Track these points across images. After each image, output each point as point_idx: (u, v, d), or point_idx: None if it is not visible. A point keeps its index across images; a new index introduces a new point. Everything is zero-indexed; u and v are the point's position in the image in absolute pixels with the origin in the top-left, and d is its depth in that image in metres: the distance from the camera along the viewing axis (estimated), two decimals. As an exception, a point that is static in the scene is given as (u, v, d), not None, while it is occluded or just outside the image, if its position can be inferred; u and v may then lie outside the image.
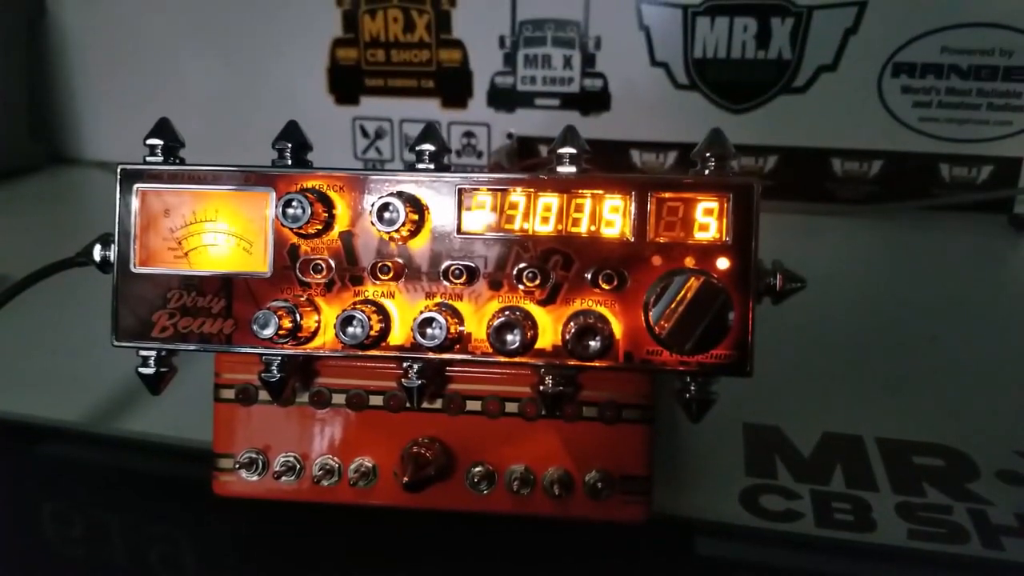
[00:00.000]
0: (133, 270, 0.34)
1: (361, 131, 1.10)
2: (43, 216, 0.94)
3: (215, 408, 0.36)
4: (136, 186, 0.33)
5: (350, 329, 0.30)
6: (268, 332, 0.30)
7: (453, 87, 1.02)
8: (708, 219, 0.31)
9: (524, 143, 1.08)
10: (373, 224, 0.31)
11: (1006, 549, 0.37)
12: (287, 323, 0.31)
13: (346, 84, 1.06)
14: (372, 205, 0.31)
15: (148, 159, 0.34)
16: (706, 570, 0.37)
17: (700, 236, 0.31)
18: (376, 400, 0.35)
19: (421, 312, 0.31)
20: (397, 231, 0.31)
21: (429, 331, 0.30)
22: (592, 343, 0.30)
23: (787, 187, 0.98)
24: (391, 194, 0.31)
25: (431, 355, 0.32)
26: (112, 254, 0.34)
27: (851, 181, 0.96)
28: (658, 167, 0.99)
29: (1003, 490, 0.41)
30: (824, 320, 0.62)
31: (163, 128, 0.34)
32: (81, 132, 1.16)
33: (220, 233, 0.34)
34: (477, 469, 0.35)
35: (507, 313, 0.30)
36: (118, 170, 0.33)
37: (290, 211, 0.31)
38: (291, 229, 0.32)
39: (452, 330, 0.31)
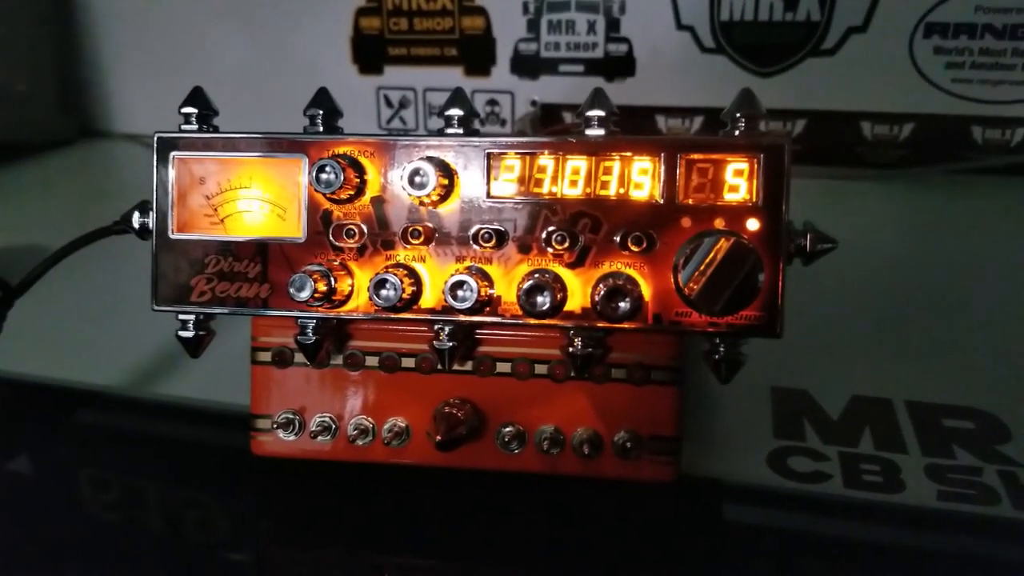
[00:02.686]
0: (171, 236, 0.34)
1: (385, 101, 1.10)
2: (75, 188, 0.96)
3: (252, 370, 0.37)
4: (172, 154, 0.34)
5: (383, 292, 0.31)
6: (304, 295, 0.31)
7: (476, 55, 1.01)
8: (738, 180, 0.31)
9: (548, 110, 1.07)
10: (404, 189, 0.31)
11: (1035, 509, 0.37)
12: (322, 287, 0.31)
13: (369, 53, 1.06)
14: (403, 170, 0.31)
15: (183, 127, 0.34)
16: (733, 532, 0.37)
17: (730, 197, 0.31)
18: (408, 362, 0.36)
19: (452, 275, 0.31)
20: (428, 196, 0.31)
21: (460, 294, 0.31)
22: (621, 304, 0.30)
23: (816, 152, 0.96)
24: (422, 159, 0.32)
25: (462, 318, 0.32)
26: (151, 221, 0.35)
27: (881, 145, 0.94)
28: (684, 132, 0.98)
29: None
30: (853, 284, 0.61)
31: (197, 97, 0.34)
32: (110, 106, 1.18)
33: (254, 200, 0.34)
34: (507, 429, 0.35)
35: (536, 275, 0.31)
36: (155, 138, 0.34)
37: (324, 176, 0.31)
38: (324, 195, 0.32)
39: (482, 293, 0.31)
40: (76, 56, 1.17)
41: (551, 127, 0.98)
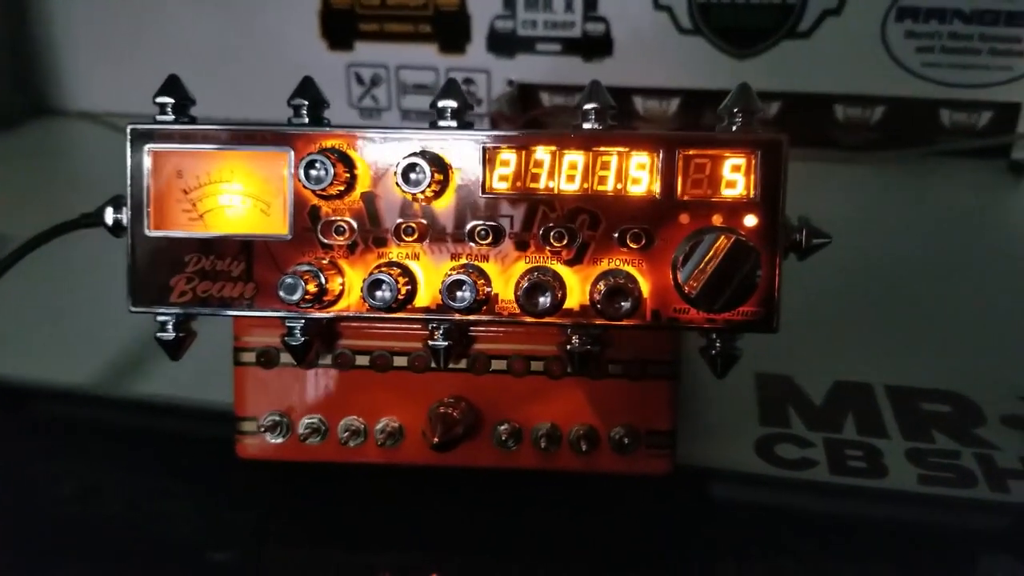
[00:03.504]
0: (148, 234, 0.33)
1: (356, 78, 1.08)
2: (31, 170, 0.92)
3: (235, 372, 0.36)
4: (147, 146, 0.32)
5: (378, 293, 0.30)
6: (295, 297, 0.30)
7: (451, 32, 0.99)
8: (735, 176, 0.31)
9: (525, 90, 1.06)
10: (398, 185, 0.30)
11: (1012, 492, 0.38)
12: (312, 287, 0.30)
13: (339, 29, 1.03)
14: (397, 166, 0.30)
15: (159, 118, 0.33)
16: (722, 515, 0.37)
17: (727, 193, 0.31)
18: (400, 361, 0.35)
19: (448, 274, 0.31)
20: (423, 192, 0.30)
21: (459, 294, 0.30)
22: (624, 303, 0.29)
23: (790, 134, 0.97)
24: (415, 154, 0.30)
25: (458, 317, 0.32)
26: (125, 217, 0.33)
27: (853, 127, 0.95)
28: (661, 114, 0.98)
29: (1008, 435, 0.42)
30: (826, 267, 0.62)
31: (173, 85, 0.33)
32: (64, 82, 1.13)
33: (236, 195, 0.33)
34: (503, 427, 0.35)
35: (537, 274, 0.30)
36: (128, 130, 0.32)
37: (313, 172, 0.30)
38: (312, 191, 0.31)
39: (480, 292, 0.30)
40: (28, 29, 1.11)
41: (532, 111, 0.97)
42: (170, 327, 0.33)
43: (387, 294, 0.30)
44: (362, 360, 0.35)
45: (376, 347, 0.35)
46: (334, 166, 0.30)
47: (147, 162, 0.32)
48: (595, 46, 0.95)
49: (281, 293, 0.30)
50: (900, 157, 0.90)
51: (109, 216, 0.33)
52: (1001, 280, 0.62)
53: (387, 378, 0.35)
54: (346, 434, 0.35)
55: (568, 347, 0.32)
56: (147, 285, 0.33)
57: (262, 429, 0.35)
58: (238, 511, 0.38)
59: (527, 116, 0.92)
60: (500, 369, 0.35)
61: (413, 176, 0.30)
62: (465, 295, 0.30)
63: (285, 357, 0.35)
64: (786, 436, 0.43)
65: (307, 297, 0.30)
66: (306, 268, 0.30)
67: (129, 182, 0.33)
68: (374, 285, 0.30)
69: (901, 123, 0.91)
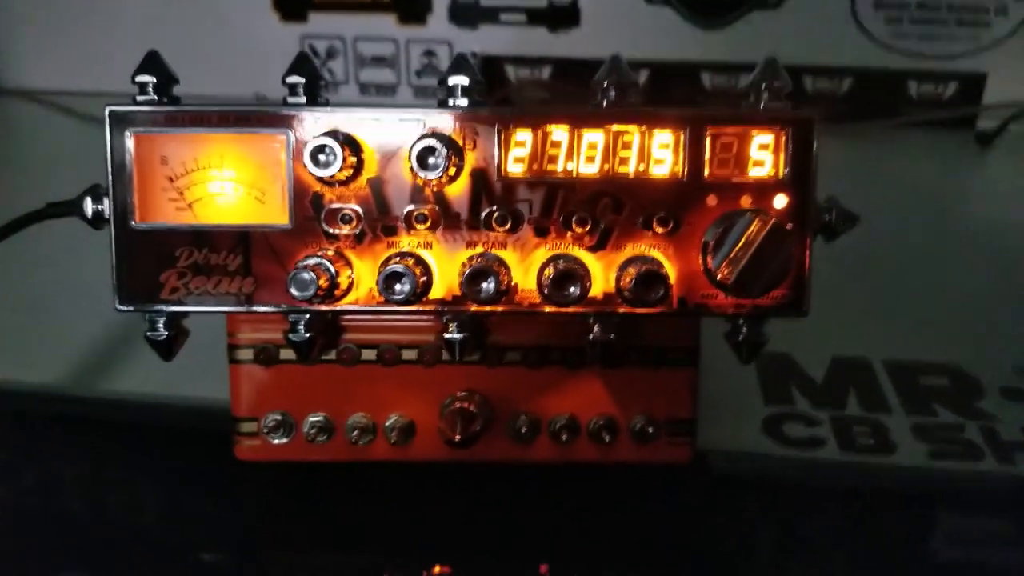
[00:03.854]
0: (133, 226, 0.30)
1: (311, 51, 1.03)
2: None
3: (231, 370, 0.34)
4: (129, 131, 0.30)
5: (397, 286, 0.28)
6: (309, 293, 0.28)
7: (411, 1, 0.96)
8: (763, 154, 0.30)
9: (489, 63, 1.03)
10: (412, 171, 0.28)
11: (1017, 464, 0.39)
12: (324, 282, 0.28)
13: (293, -1, 0.98)
14: (411, 149, 0.28)
15: (139, 99, 0.30)
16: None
17: (754, 173, 0.30)
18: (409, 354, 0.33)
19: (468, 264, 0.29)
20: (440, 178, 0.28)
21: (485, 285, 0.28)
22: (659, 291, 0.28)
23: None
24: (430, 136, 0.28)
25: (475, 308, 0.30)
26: (106, 209, 0.30)
27: (822, 99, 0.95)
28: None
29: (1008, 406, 0.43)
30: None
31: (153, 62, 0.30)
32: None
33: (228, 181, 0.31)
34: (520, 419, 0.33)
35: (563, 262, 0.29)
36: (106, 113, 0.29)
37: (322, 158, 0.28)
38: (318, 177, 0.29)
39: (504, 282, 0.29)
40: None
41: (498, 91, 0.94)
42: (161, 326, 0.31)
43: (406, 287, 0.28)
44: (368, 354, 0.34)
45: (383, 340, 0.33)
46: (342, 150, 0.28)
47: (130, 148, 0.30)
48: (561, 16, 0.93)
49: (293, 289, 0.28)
50: (868, 129, 0.90)
51: (88, 207, 0.30)
52: (973, 250, 0.63)
53: (396, 372, 0.33)
54: (355, 431, 0.33)
55: (590, 337, 0.31)
56: (135, 281, 0.30)
57: (265, 430, 0.33)
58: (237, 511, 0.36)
59: (496, 99, 0.89)
60: (515, 360, 0.33)
61: (432, 161, 0.28)
62: (489, 287, 0.28)
63: (285, 353, 0.33)
64: (792, 415, 0.42)
65: (319, 292, 0.28)
66: (316, 261, 0.28)
67: (110, 170, 0.30)
68: (392, 278, 0.28)
69: (869, 95, 0.91)
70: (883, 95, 0.91)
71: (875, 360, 0.47)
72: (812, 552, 0.35)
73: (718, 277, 0.28)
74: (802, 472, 0.38)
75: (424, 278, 0.29)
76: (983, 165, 0.85)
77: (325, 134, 0.28)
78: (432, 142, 0.28)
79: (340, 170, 0.28)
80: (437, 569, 0.33)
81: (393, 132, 0.29)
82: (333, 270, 0.28)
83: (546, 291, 0.28)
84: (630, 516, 0.35)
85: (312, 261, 0.28)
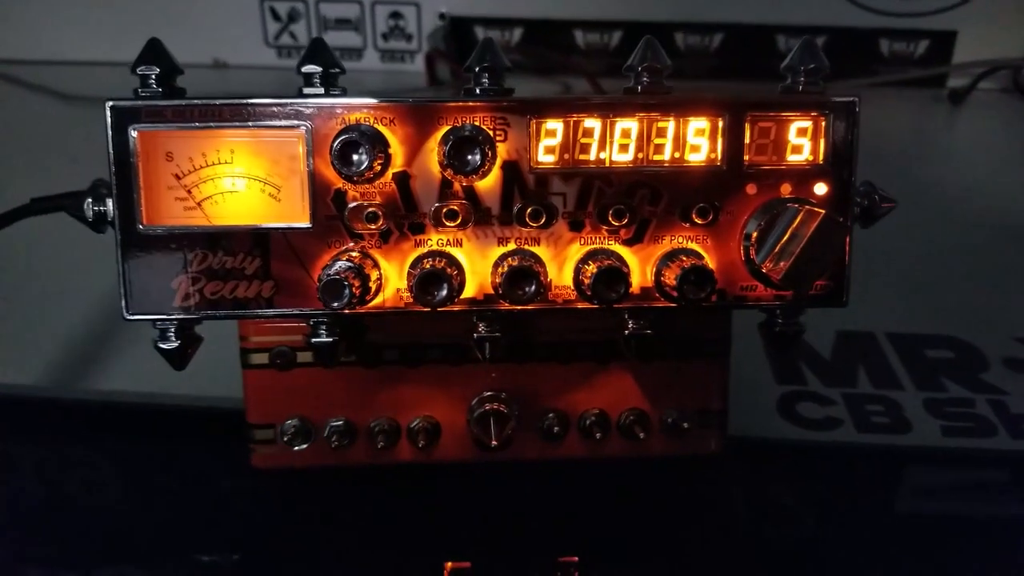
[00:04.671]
0: (140, 229, 0.28)
1: (271, 13, 0.99)
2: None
3: (245, 376, 0.32)
4: (134, 127, 0.27)
5: (439, 292, 0.27)
6: (343, 302, 0.26)
7: (379, -38, 0.92)
8: (801, 140, 0.29)
9: (458, 24, 1.00)
10: (446, 166, 0.27)
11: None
12: (357, 288, 0.26)
13: (254, -40, 0.93)
14: (445, 143, 0.26)
15: (142, 92, 0.27)
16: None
17: (792, 159, 0.29)
18: (434, 354, 0.32)
19: (504, 264, 0.28)
20: (476, 173, 0.27)
21: (527, 288, 0.27)
22: (707, 288, 0.27)
23: (732, 66, 0.96)
24: (464, 127, 0.27)
25: (507, 307, 0.29)
26: (110, 210, 0.28)
27: (794, 58, 0.95)
28: (602, 47, 0.95)
29: (1013, 378, 0.43)
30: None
31: (155, 51, 0.27)
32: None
33: (239, 178, 0.28)
34: (549, 417, 0.33)
35: (604, 259, 0.27)
36: (108, 108, 0.27)
37: (356, 157, 0.26)
38: (346, 175, 0.27)
39: (543, 281, 0.27)
40: None
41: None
42: (172, 334, 0.29)
43: (443, 292, 0.27)
44: (390, 355, 0.32)
45: (406, 341, 0.32)
46: (372, 145, 0.26)
47: (135, 145, 0.27)
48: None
49: (326, 299, 0.26)
50: (842, 88, 0.90)
51: (88, 209, 0.28)
52: (952, 209, 0.64)
53: (420, 373, 0.32)
54: (378, 434, 0.32)
55: (626, 332, 0.30)
56: (145, 288, 0.28)
57: (285, 438, 0.32)
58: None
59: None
60: (545, 356, 0.32)
61: (471, 157, 0.26)
62: (530, 289, 0.27)
63: (302, 357, 0.32)
64: (805, 394, 0.42)
65: (352, 300, 0.26)
66: (347, 266, 0.26)
67: (113, 169, 0.27)
68: (428, 281, 0.27)
69: (842, 53, 0.91)
70: (856, 54, 0.92)
71: (878, 333, 0.47)
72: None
73: (764, 271, 0.28)
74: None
75: (458, 279, 0.28)
76: (958, 121, 0.86)
77: (350, 128, 0.26)
78: (469, 134, 0.26)
79: (370, 166, 0.26)
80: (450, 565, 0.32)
81: (418, 124, 0.28)
82: (365, 274, 0.27)
83: (589, 290, 0.27)
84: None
85: (343, 264, 0.27)
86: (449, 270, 0.27)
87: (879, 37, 0.93)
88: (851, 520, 0.34)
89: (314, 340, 0.29)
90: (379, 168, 0.27)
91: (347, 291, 0.26)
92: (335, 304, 0.26)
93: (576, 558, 0.31)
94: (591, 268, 0.27)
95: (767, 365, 0.44)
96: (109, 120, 0.27)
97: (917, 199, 0.66)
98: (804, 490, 0.37)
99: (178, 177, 0.28)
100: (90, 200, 0.28)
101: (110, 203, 0.28)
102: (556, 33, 0.94)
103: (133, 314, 0.28)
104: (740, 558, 0.32)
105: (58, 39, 0.92)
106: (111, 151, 0.27)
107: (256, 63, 0.99)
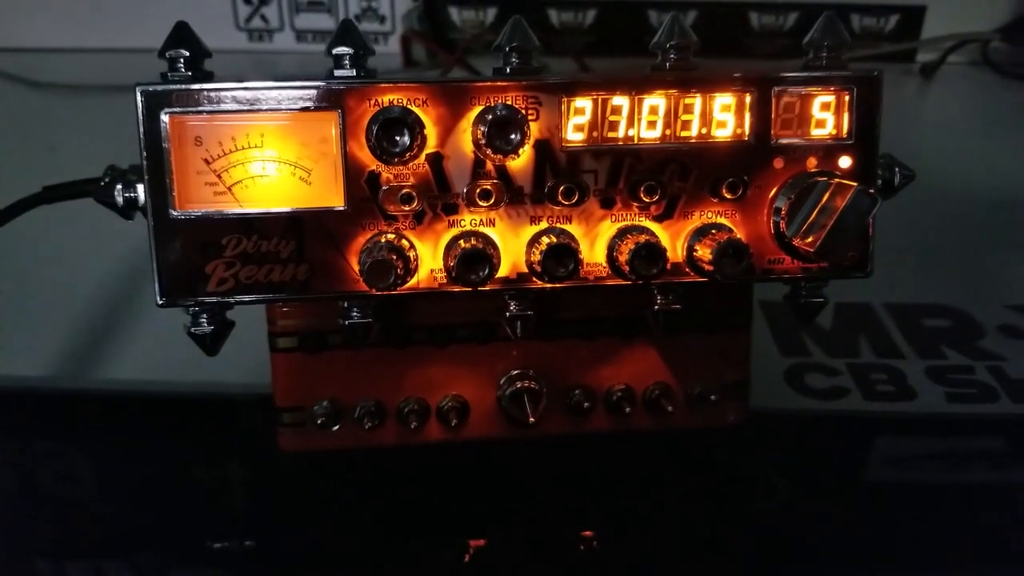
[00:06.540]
0: (173, 214, 0.28)
1: (243, -4, 0.96)
2: None
3: (274, 359, 0.32)
4: (165, 112, 0.27)
5: (480, 271, 0.27)
6: (388, 282, 0.26)
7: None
8: (825, 114, 0.30)
9: (431, 4, 0.99)
10: (485, 147, 0.27)
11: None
12: (400, 269, 0.26)
13: (226, -60, 0.91)
14: (484, 124, 0.27)
15: (171, 76, 0.27)
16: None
17: (817, 133, 0.30)
18: (463, 333, 0.32)
19: (539, 243, 0.28)
20: (514, 153, 0.27)
21: (564, 268, 0.27)
22: (743, 261, 0.28)
23: (705, 44, 0.97)
24: (500, 109, 0.27)
25: (538, 285, 0.29)
26: (141, 196, 0.27)
27: (767, 35, 0.96)
28: (576, 26, 0.95)
29: (1009, 344, 0.45)
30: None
31: (183, 34, 0.27)
32: None
33: (270, 162, 0.28)
34: (576, 392, 0.33)
35: (641, 235, 0.28)
36: (138, 92, 0.27)
37: (400, 140, 0.26)
38: (379, 156, 0.27)
39: (580, 260, 0.28)
40: None
41: (453, 51, 0.90)
42: (205, 320, 0.29)
43: (485, 271, 0.27)
44: (419, 334, 0.32)
45: (435, 321, 0.32)
46: (411, 128, 0.26)
47: (166, 130, 0.27)
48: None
49: (371, 278, 0.26)
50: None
51: (119, 195, 0.28)
52: (930, 180, 0.65)
53: (448, 352, 0.32)
54: (407, 414, 0.32)
55: (655, 307, 0.30)
56: (179, 274, 0.28)
57: (318, 420, 0.32)
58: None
59: (450, 61, 0.85)
60: (570, 333, 0.33)
61: (513, 137, 0.26)
62: (571, 267, 0.27)
63: (332, 339, 0.32)
64: (810, 365, 0.43)
65: (396, 280, 0.26)
66: (390, 246, 0.26)
67: (144, 155, 0.27)
68: (469, 260, 0.27)
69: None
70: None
71: (876, 304, 0.49)
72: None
73: (794, 244, 0.28)
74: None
75: (496, 258, 0.28)
76: (930, 94, 0.88)
77: (390, 108, 0.26)
78: (505, 114, 0.26)
79: (410, 147, 0.26)
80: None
81: (451, 105, 0.28)
82: (405, 255, 0.27)
83: (627, 266, 0.28)
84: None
85: (383, 247, 0.27)
86: (489, 250, 0.27)
87: (850, 12, 0.95)
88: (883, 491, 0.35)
89: (348, 322, 0.29)
90: (416, 149, 0.27)
91: (392, 272, 0.26)
92: (380, 285, 0.26)
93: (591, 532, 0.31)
94: (628, 244, 0.28)
95: (770, 337, 0.45)
96: (140, 105, 0.26)
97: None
98: (829, 460, 0.38)
99: (207, 162, 0.28)
100: (120, 186, 0.28)
101: (140, 189, 0.27)
102: (531, 12, 0.94)
103: (167, 301, 0.28)
104: (765, 531, 0.33)
105: (26, 26, 0.89)
106: (142, 136, 0.27)
107: (227, 47, 0.97)
